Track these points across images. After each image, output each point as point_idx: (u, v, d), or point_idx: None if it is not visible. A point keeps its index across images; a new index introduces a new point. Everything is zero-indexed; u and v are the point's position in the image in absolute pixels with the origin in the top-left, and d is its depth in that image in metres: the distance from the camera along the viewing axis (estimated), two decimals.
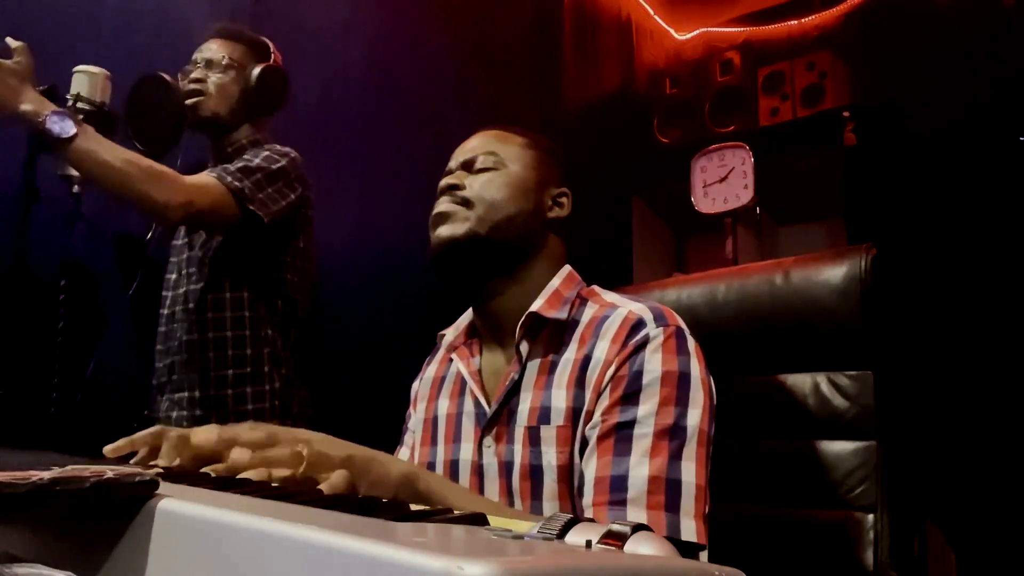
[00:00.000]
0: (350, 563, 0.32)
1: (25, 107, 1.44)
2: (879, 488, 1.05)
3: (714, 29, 3.77)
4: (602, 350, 0.96)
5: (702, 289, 1.27)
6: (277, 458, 0.68)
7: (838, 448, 1.10)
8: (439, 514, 0.46)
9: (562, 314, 1.01)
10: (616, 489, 0.87)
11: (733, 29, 3.68)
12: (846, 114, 3.07)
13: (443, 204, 1.06)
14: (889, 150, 2.98)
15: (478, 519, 0.45)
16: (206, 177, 1.60)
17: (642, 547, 0.39)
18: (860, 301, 1.10)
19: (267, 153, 1.69)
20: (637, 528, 0.40)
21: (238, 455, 0.67)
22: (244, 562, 0.38)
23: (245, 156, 1.68)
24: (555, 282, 1.07)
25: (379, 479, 0.76)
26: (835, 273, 1.13)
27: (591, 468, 0.90)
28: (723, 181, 3.08)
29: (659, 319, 0.95)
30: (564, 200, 1.12)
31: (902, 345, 1.12)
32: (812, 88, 3.21)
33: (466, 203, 1.04)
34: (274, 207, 1.64)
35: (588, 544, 0.39)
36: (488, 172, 1.07)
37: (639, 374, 0.91)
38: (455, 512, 0.48)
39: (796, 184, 3.25)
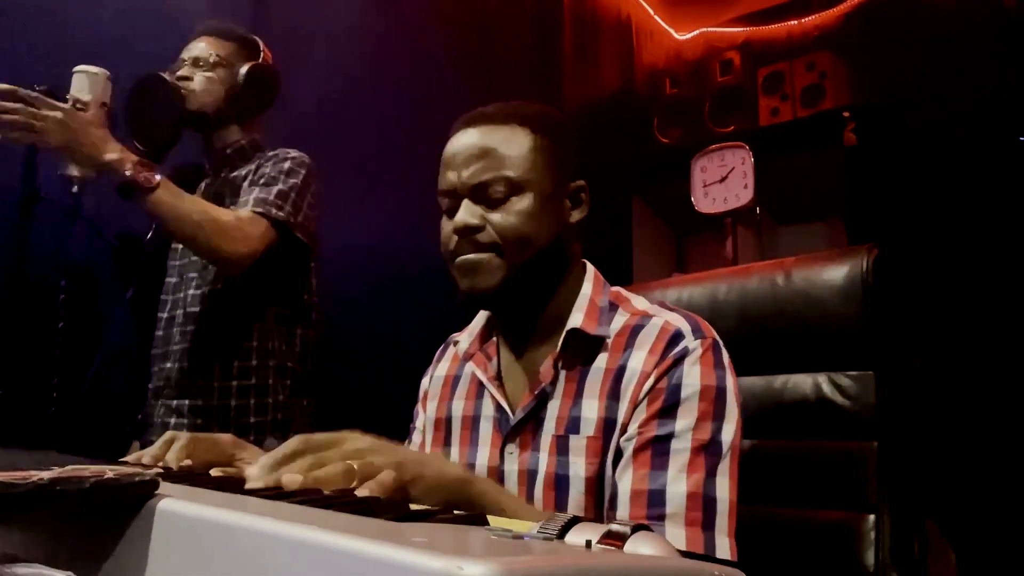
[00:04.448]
0: (350, 563, 0.32)
1: (111, 156, 1.48)
2: (880, 488, 1.05)
3: (714, 29, 3.77)
4: (638, 361, 0.93)
5: (702, 289, 1.27)
6: (329, 478, 0.66)
7: (839, 448, 1.10)
8: (439, 514, 0.46)
9: (603, 331, 0.98)
10: (654, 504, 0.86)
11: (733, 29, 3.68)
12: (846, 114, 3.07)
13: (467, 252, 0.97)
14: (889, 150, 2.98)
15: (478, 519, 0.45)
16: (254, 214, 1.61)
17: (642, 547, 0.39)
18: (862, 301, 1.10)
19: (288, 165, 1.68)
20: (637, 528, 0.40)
21: (288, 479, 0.64)
22: (244, 562, 0.38)
23: (268, 172, 1.67)
24: (587, 289, 1.02)
25: (433, 483, 0.73)
26: (837, 273, 1.13)
27: (626, 480, 0.88)
28: (723, 181, 3.07)
29: (696, 331, 0.94)
30: (583, 196, 1.03)
31: (904, 345, 1.12)
32: (812, 88, 3.21)
33: (493, 248, 0.96)
34: (312, 226, 1.68)
35: (588, 544, 0.39)
36: (506, 202, 0.96)
37: (677, 387, 0.90)
38: (456, 512, 0.48)
39: (796, 184, 3.25)
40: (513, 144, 0.97)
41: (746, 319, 1.21)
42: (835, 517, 1.08)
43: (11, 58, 1.72)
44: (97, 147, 1.47)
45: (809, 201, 3.37)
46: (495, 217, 0.96)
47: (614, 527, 0.40)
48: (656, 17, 3.93)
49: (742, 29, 3.63)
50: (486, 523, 0.44)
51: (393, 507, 0.50)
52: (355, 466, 0.68)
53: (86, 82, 1.58)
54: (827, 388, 1.13)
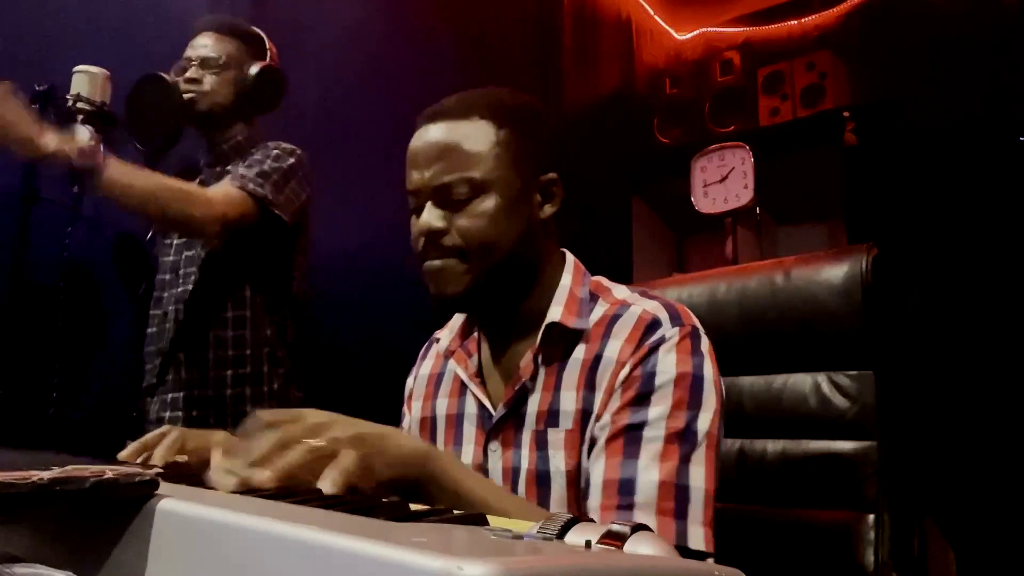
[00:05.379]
0: (350, 563, 0.32)
1: (52, 147, 1.43)
2: (880, 488, 1.05)
3: (714, 29, 3.77)
4: (614, 350, 0.92)
5: (702, 289, 1.27)
6: (294, 462, 0.66)
7: (839, 448, 1.10)
8: (439, 514, 0.46)
9: (582, 323, 0.96)
10: (624, 493, 0.84)
11: (733, 29, 3.68)
12: (846, 114, 3.06)
13: (431, 256, 0.95)
14: (889, 150, 2.98)
15: (478, 519, 0.45)
16: (229, 187, 1.61)
17: (642, 547, 0.39)
18: (861, 301, 1.10)
19: (276, 152, 1.70)
20: (637, 528, 0.40)
21: (259, 476, 0.64)
22: (244, 562, 0.38)
23: (255, 157, 1.69)
24: (565, 280, 1.00)
25: (393, 457, 0.74)
26: (836, 273, 1.13)
27: (598, 470, 0.87)
28: (723, 181, 3.08)
29: (675, 319, 0.92)
30: (555, 190, 0.99)
31: (903, 345, 1.12)
32: (812, 88, 3.21)
33: (457, 253, 0.94)
34: (292, 208, 1.67)
35: (588, 544, 0.39)
36: (469, 204, 0.93)
37: (652, 375, 0.88)
38: (455, 512, 0.48)
39: (796, 184, 3.25)
40: (476, 140, 0.94)
41: (746, 319, 1.21)
42: (835, 517, 1.08)
43: (11, 58, 1.72)
44: (37, 138, 1.41)
45: (809, 201, 3.37)
46: (459, 220, 0.93)
47: (614, 527, 0.40)
48: (656, 17, 3.93)
49: (742, 29, 3.63)
50: (486, 523, 0.44)
51: (392, 507, 0.50)
52: (317, 444, 0.68)
53: (86, 82, 1.59)
54: (827, 388, 1.13)
